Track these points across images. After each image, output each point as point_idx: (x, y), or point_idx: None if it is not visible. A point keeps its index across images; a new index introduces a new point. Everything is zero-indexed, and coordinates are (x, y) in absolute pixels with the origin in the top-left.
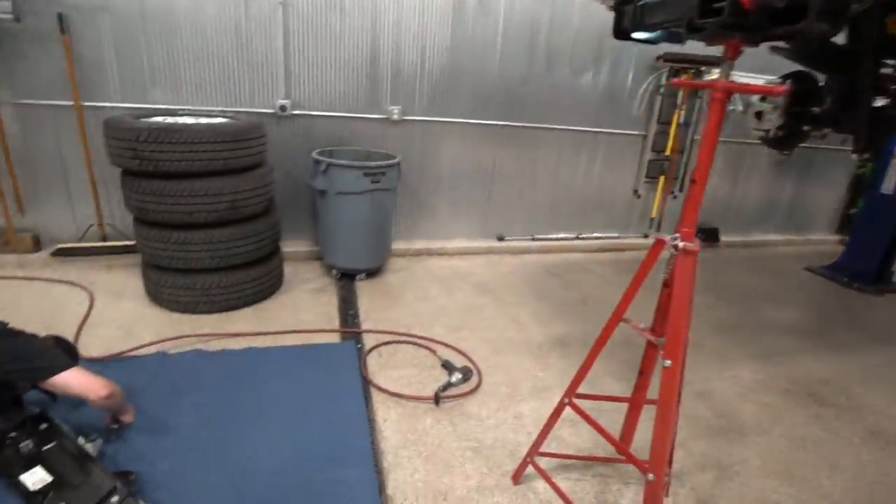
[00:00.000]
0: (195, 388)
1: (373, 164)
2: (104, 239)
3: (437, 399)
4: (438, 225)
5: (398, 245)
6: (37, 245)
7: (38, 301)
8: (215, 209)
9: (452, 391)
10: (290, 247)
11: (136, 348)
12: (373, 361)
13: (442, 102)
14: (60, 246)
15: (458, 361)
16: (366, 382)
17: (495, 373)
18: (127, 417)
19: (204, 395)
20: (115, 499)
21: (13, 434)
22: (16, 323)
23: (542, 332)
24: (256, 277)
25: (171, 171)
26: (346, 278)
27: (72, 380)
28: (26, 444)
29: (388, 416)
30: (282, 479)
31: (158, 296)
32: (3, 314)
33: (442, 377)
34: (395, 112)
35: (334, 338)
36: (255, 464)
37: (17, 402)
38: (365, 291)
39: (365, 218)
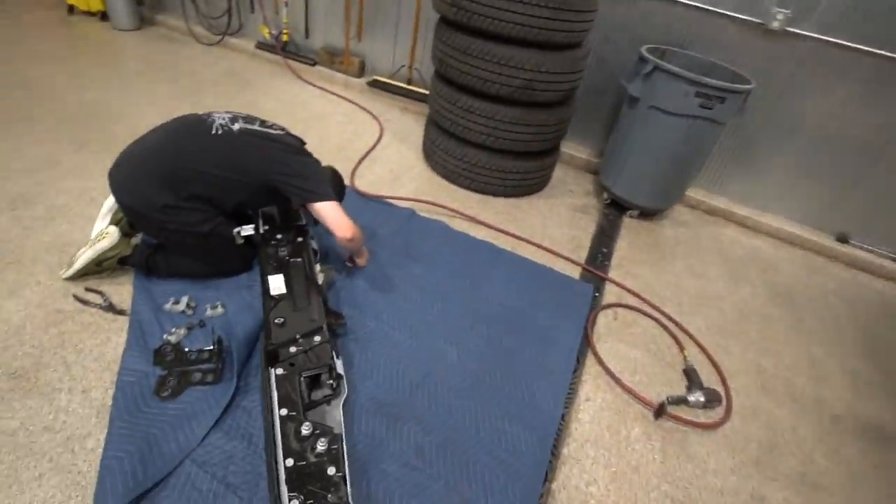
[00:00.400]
0: (427, 257)
1: (713, 83)
2: (409, 82)
3: (659, 410)
4: (759, 188)
5: (694, 193)
6: (362, 71)
7: (344, 120)
8: (509, 84)
9: (683, 412)
10: (569, 148)
11: (394, 198)
12: (603, 321)
13: (863, 16)
14: (375, 77)
15: (708, 377)
16: (586, 341)
17: (752, 419)
18: (361, 261)
19: (432, 268)
20: (317, 338)
21: (279, 236)
22: (322, 134)
23: (848, 400)
24: (524, 171)
25: (481, 28)
26: (616, 208)
27: (329, 212)
28: (284, 251)
29: (592, 396)
30: (467, 389)
31: (430, 154)
32: (318, 122)
33: (678, 386)
34: (780, 17)
35: (573, 270)
36: (446, 361)
37: (292, 213)
38: (630, 232)
39: (671, 148)
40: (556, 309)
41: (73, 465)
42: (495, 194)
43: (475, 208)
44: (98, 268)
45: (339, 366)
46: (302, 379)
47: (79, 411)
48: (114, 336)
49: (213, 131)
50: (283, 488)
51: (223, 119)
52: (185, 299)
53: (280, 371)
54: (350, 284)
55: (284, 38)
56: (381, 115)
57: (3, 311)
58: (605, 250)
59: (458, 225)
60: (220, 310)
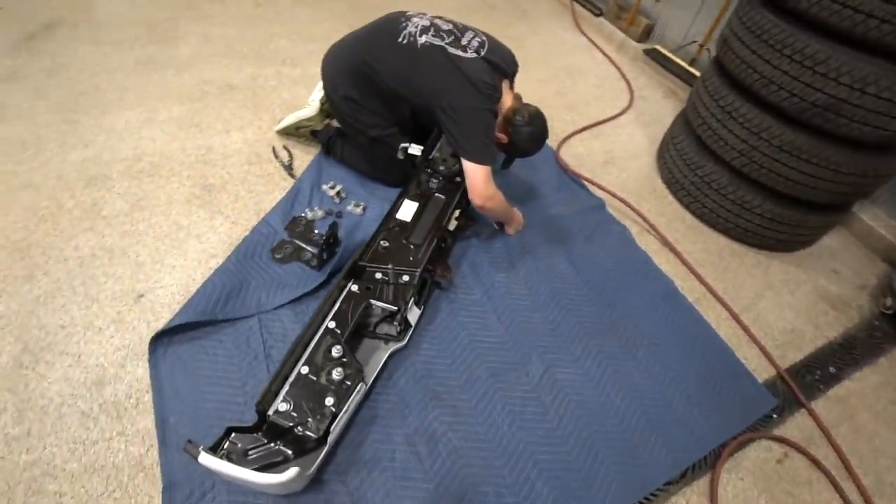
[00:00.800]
0: (584, 260)
1: None
2: (692, 63)
3: None
4: None
5: None
6: (646, 35)
7: (595, 82)
8: (804, 96)
9: None
10: (867, 216)
11: (592, 182)
12: (757, 454)
13: None
14: (656, 47)
15: None
16: (712, 461)
17: None
18: (508, 230)
19: (581, 275)
20: (405, 277)
21: (442, 168)
22: (562, 88)
23: None
24: (776, 218)
25: (797, 9)
26: (893, 323)
27: (470, 171)
28: (435, 183)
29: None
30: (524, 417)
31: (665, 155)
32: (566, 75)
33: None
34: None
35: (763, 368)
36: (524, 375)
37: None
38: (892, 371)
39: None
40: (704, 399)
41: (194, 271)
42: (718, 229)
43: (679, 233)
44: (296, 132)
45: (415, 315)
46: (370, 305)
47: (221, 236)
48: (277, 192)
49: (399, 38)
50: (285, 387)
51: (416, 27)
52: (339, 187)
53: (354, 288)
54: (484, 245)
55: None
56: (640, 90)
57: (230, 138)
58: (832, 370)
59: (646, 242)
60: (359, 210)
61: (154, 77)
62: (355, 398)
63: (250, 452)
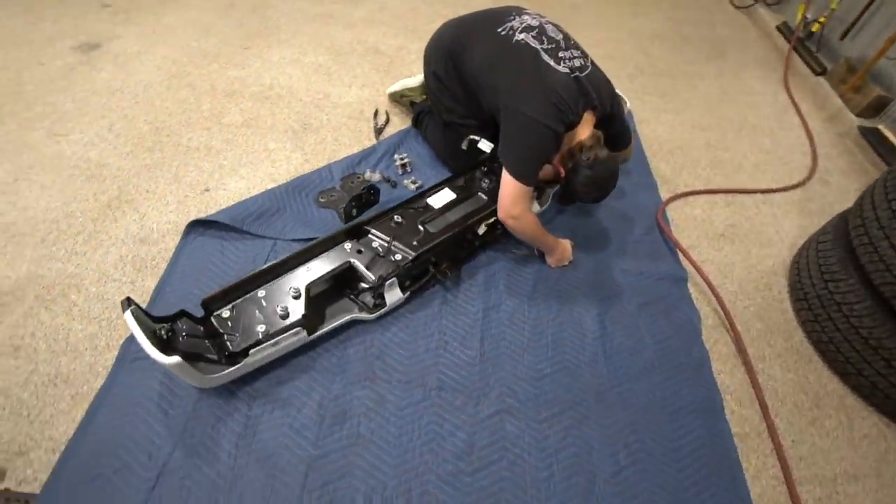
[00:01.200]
0: (621, 330)
1: None
2: None
3: None
4: None
5: None
6: (873, 111)
7: (764, 146)
8: None
9: None
10: None
11: (686, 254)
12: None
13: None
14: (877, 127)
15: None
16: None
17: None
18: (549, 260)
19: (610, 345)
20: (398, 256)
21: (487, 170)
22: (716, 141)
23: None
24: None
25: None
26: None
27: (503, 183)
28: (486, 183)
29: None
30: (454, 464)
31: (803, 252)
32: (730, 128)
33: None
34: None
35: None
36: (477, 414)
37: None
38: None
39: None
40: None
41: (254, 187)
42: (833, 367)
43: (773, 350)
44: (400, 99)
45: (395, 297)
46: (351, 266)
47: (290, 167)
48: (356, 148)
49: (500, 28)
50: (238, 300)
51: (521, 23)
52: (408, 160)
53: (347, 246)
54: (512, 265)
55: (814, 28)
56: (826, 172)
57: (348, 92)
58: None
59: (716, 339)
60: (413, 187)
61: (323, 29)
62: (289, 339)
63: (184, 338)
